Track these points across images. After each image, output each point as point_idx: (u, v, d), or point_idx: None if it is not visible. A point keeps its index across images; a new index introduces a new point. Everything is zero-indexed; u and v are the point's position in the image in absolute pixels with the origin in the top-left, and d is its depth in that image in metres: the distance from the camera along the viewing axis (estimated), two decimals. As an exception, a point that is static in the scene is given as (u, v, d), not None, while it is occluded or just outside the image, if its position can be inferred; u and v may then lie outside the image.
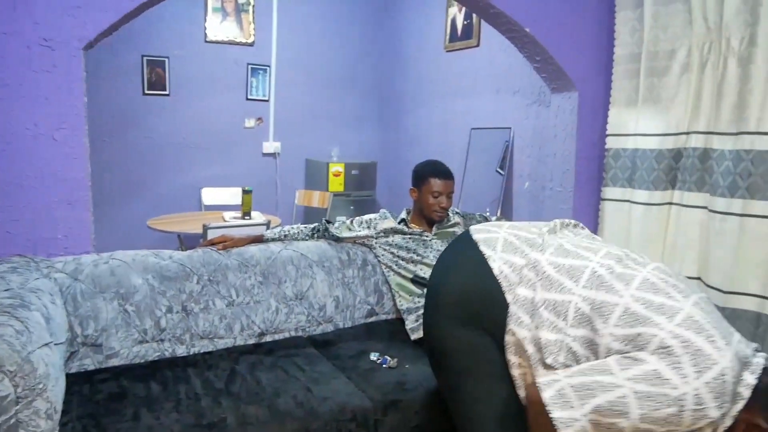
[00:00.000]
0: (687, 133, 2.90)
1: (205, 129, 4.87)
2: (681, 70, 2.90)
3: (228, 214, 3.89)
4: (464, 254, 1.50)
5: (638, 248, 3.09)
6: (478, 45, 4.38)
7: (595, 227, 3.40)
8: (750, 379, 1.13)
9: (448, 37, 4.67)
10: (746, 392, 1.13)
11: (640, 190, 3.08)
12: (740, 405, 1.13)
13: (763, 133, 2.55)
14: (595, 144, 3.34)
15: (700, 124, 2.83)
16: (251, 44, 4.92)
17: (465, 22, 4.48)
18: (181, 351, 2.11)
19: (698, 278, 2.87)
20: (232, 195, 4.65)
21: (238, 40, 4.87)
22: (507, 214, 4.16)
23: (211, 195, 4.73)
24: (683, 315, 1.19)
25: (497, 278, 1.41)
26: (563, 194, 3.41)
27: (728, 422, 1.15)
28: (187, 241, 3.92)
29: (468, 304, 1.45)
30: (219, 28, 4.79)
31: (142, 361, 2.05)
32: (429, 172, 2.42)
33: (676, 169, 2.99)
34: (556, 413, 1.23)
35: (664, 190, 3.02)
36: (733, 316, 2.67)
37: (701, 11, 2.76)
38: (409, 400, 1.88)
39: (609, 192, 3.28)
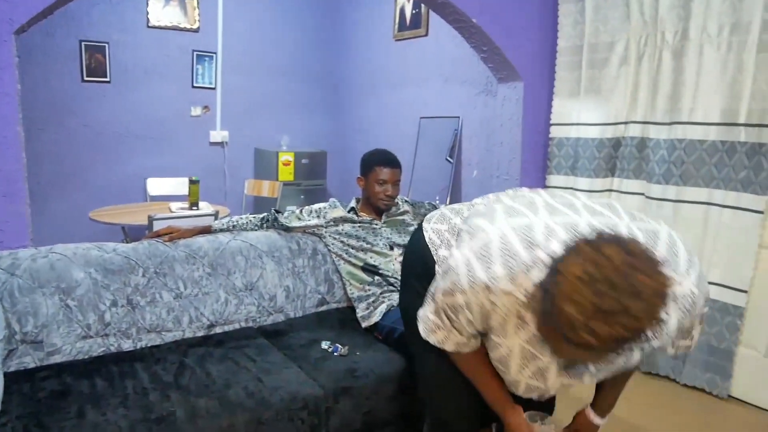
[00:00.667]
0: (625, 123, 3.02)
1: (149, 117, 4.73)
2: (620, 62, 3.01)
3: (174, 205, 3.80)
4: (416, 231, 1.75)
5: (580, 234, 3.21)
6: (426, 34, 4.41)
7: (540, 214, 3.50)
8: (556, 247, 1.16)
9: (397, 26, 4.68)
10: (546, 259, 1.16)
11: (582, 178, 3.19)
12: (536, 270, 1.18)
13: (695, 123, 2.68)
14: (540, 133, 3.43)
15: (637, 114, 2.96)
16: (196, 30, 4.80)
17: (413, 12, 4.50)
18: (127, 345, 2.07)
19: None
20: (179, 185, 4.54)
21: (182, 26, 4.74)
22: (456, 202, 4.23)
23: (156, 185, 4.61)
24: (499, 213, 1.35)
25: (427, 243, 1.62)
26: (510, 182, 3.49)
27: (527, 285, 1.20)
28: (132, 233, 3.81)
29: (416, 269, 1.67)
30: (162, 13, 4.64)
31: (86, 357, 1.99)
32: (375, 160, 2.43)
33: (615, 158, 3.11)
34: (420, 311, 1.49)
35: (604, 178, 3.15)
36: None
37: (638, 5, 2.87)
38: (360, 387, 1.90)
39: (553, 180, 3.38)
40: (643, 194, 2.95)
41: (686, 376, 2.79)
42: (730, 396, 2.69)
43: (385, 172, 2.41)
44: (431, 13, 4.29)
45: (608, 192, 3.15)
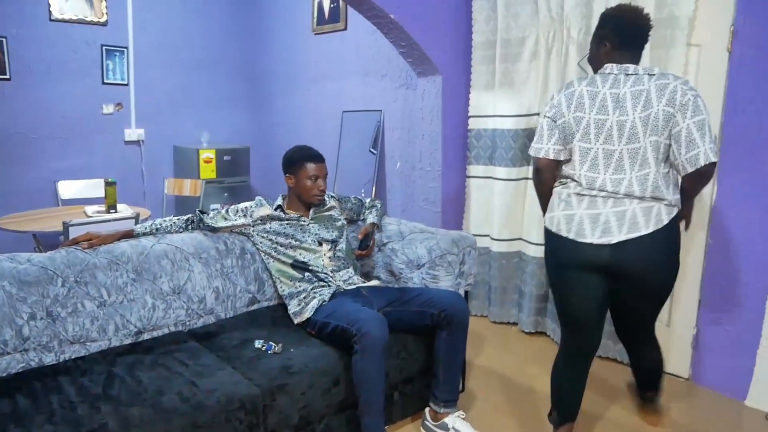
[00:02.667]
0: (538, 114, 3.19)
1: (56, 116, 4.47)
2: (530, 56, 3.17)
3: (90, 209, 3.64)
4: None
5: (500, 219, 3.37)
6: (345, 28, 4.43)
7: (462, 203, 3.63)
8: None
9: (315, 19, 4.67)
10: None
11: (501, 167, 3.34)
12: None
13: (599, 113, 2.87)
14: (459, 125, 3.55)
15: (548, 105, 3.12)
16: (104, 24, 4.57)
17: (332, 5, 4.51)
18: (49, 359, 1.98)
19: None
20: (93, 187, 4.34)
21: (88, 19, 4.50)
22: (381, 194, 4.30)
23: (69, 188, 4.37)
24: None
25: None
26: (432, 173, 3.60)
27: None
28: (44, 241, 3.62)
29: None
30: (66, 5, 4.39)
31: (4, 374, 1.89)
32: (303, 157, 2.44)
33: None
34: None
35: (520, 167, 3.31)
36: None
37: (545, 2, 3.03)
38: (296, 383, 1.93)
39: (473, 170, 3.52)
40: (555, 181, 3.13)
41: (601, 348, 3.00)
42: (638, 364, 2.93)
43: (314, 168, 2.43)
44: (350, 7, 4.32)
45: (525, 180, 3.31)
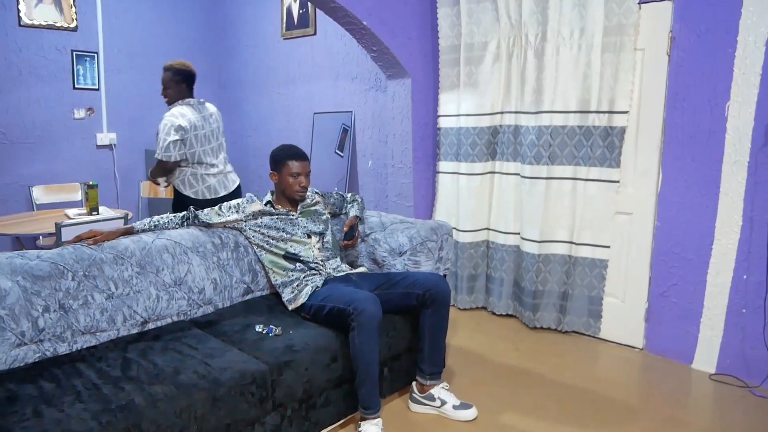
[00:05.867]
0: (501, 113, 3.46)
1: (27, 122, 4.48)
2: (493, 59, 3.43)
3: (71, 212, 3.71)
4: None
5: (466, 211, 3.62)
6: (315, 33, 4.61)
7: (432, 197, 3.88)
8: None
9: (284, 25, 4.83)
10: None
11: (467, 163, 3.60)
12: None
13: (557, 111, 3.17)
14: (428, 124, 3.79)
15: (510, 105, 3.40)
16: (74, 29, 4.61)
17: (301, 11, 4.68)
18: (62, 349, 2.11)
19: (517, 233, 3.47)
20: (68, 191, 4.38)
21: (58, 25, 4.53)
22: (354, 191, 4.50)
23: (44, 193, 4.41)
24: None
25: None
26: (404, 170, 3.83)
27: None
28: (26, 244, 3.67)
29: None
30: (35, 11, 4.42)
31: (22, 364, 2.01)
32: (285, 155, 2.62)
33: (495, 143, 3.55)
34: None
35: (486, 162, 3.57)
36: (546, 261, 3.30)
37: (505, 10, 3.30)
38: (299, 360, 2.12)
39: (442, 166, 3.77)
40: (518, 174, 3.41)
41: (567, 324, 3.30)
42: (598, 337, 3.24)
43: (296, 166, 2.60)
44: (318, 12, 4.50)
45: (490, 174, 3.58)
